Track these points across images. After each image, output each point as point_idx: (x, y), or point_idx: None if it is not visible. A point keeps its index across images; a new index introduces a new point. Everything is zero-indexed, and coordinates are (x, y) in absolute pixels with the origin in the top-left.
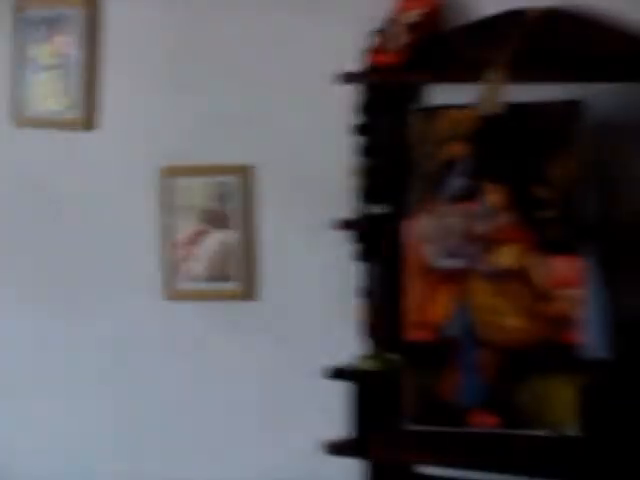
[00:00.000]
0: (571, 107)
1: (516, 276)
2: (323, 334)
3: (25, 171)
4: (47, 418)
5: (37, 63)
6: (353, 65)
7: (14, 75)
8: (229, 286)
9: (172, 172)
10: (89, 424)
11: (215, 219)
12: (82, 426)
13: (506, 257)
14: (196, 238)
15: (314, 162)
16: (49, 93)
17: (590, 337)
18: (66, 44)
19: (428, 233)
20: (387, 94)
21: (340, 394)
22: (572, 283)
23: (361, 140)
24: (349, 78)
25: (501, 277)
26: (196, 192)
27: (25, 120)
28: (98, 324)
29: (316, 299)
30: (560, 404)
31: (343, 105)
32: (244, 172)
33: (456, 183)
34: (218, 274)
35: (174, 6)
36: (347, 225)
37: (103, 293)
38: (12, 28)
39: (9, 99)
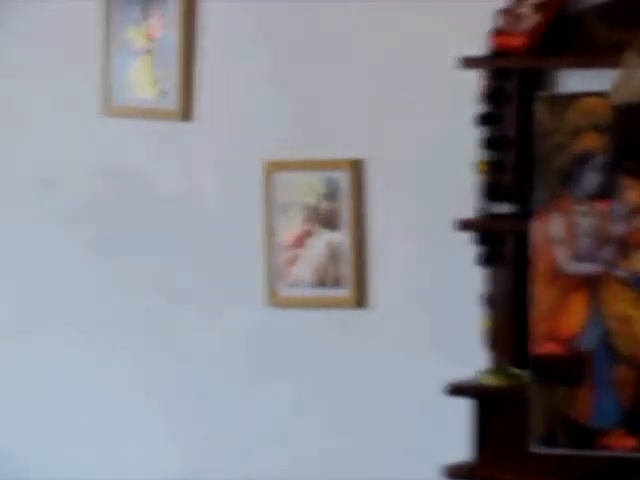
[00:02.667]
0: None
1: None
2: (442, 346)
3: (116, 165)
4: (154, 433)
5: (130, 47)
6: (476, 49)
7: (105, 60)
8: (338, 292)
9: (276, 167)
10: (195, 435)
11: (323, 219)
12: (190, 441)
13: None
14: (302, 239)
15: (432, 156)
16: (142, 80)
17: None
18: (161, 26)
19: (558, 234)
20: (514, 80)
21: (461, 412)
22: None
23: (485, 131)
24: (472, 63)
25: None
26: (302, 189)
27: (117, 109)
28: (196, 333)
29: (434, 307)
30: None
31: (465, 93)
32: (354, 167)
33: (590, 179)
34: (326, 279)
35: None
36: (469, 225)
37: (201, 299)
38: (105, 8)
39: (100, 86)
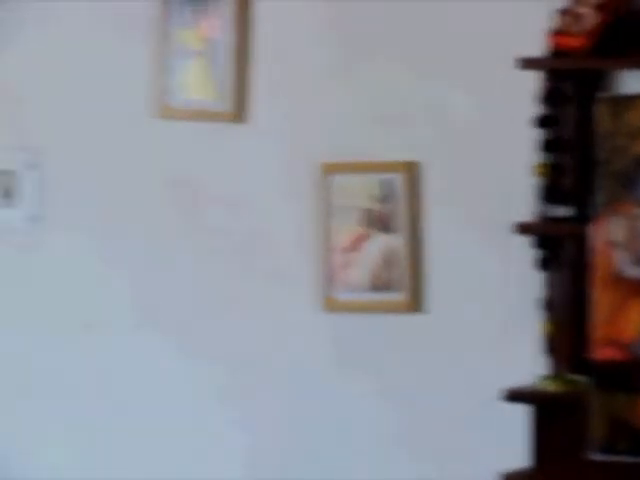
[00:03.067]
0: None
1: None
2: (499, 351)
3: (168, 167)
4: (219, 435)
5: (183, 49)
6: (535, 49)
7: (158, 61)
8: (394, 297)
9: (330, 169)
10: (255, 437)
11: (378, 222)
12: (254, 439)
13: None
14: (357, 243)
15: (489, 158)
16: (195, 82)
17: None
18: (214, 28)
19: (618, 238)
20: (573, 81)
21: (519, 418)
22: None
23: (543, 133)
24: (530, 64)
25: None
26: (357, 191)
27: (169, 111)
28: (250, 338)
29: (491, 312)
30: None
31: (524, 94)
32: (410, 169)
33: None
34: (381, 283)
35: None
36: (526, 229)
37: (255, 303)
38: (159, 10)
39: (152, 88)
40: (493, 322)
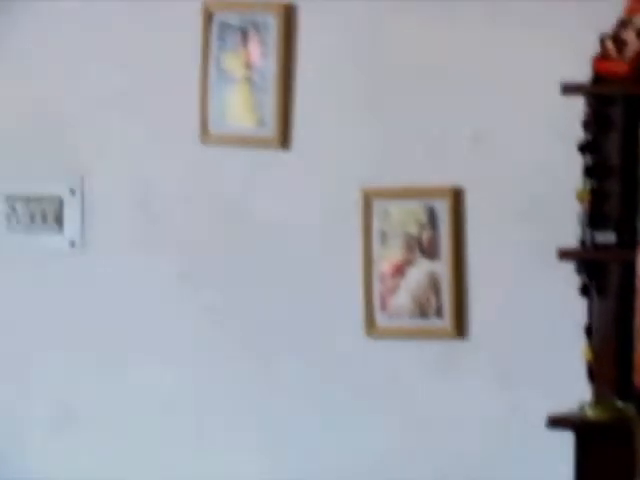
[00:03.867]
0: None
1: None
2: (543, 378)
3: (212, 193)
4: (255, 462)
5: (228, 75)
6: (579, 75)
7: (203, 87)
8: (439, 323)
9: (374, 195)
10: (302, 464)
11: (422, 247)
12: (301, 466)
13: None
14: (401, 269)
15: (534, 183)
16: (239, 108)
17: None
18: (259, 54)
19: None
20: (617, 107)
21: (563, 446)
22: None
23: (588, 159)
24: (574, 89)
25: None
26: (401, 217)
27: (214, 137)
28: (293, 364)
29: (536, 338)
30: None
31: (569, 119)
32: (454, 195)
33: None
34: (425, 309)
35: (375, 17)
36: (571, 255)
37: (298, 329)
38: (203, 36)
39: (196, 113)
40: (537, 348)
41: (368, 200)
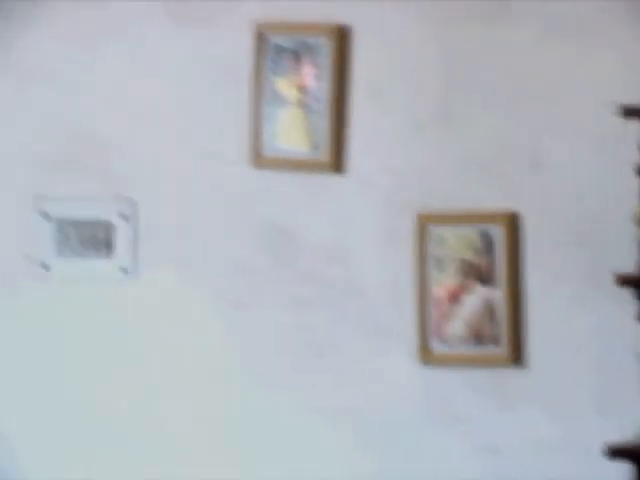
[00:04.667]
0: None
1: None
2: (602, 406)
3: (263, 217)
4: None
5: (278, 97)
6: (635, 97)
7: (253, 110)
8: (494, 350)
9: (429, 220)
10: None
11: (478, 273)
12: None
13: None
14: (455, 295)
15: (591, 208)
16: (291, 131)
17: None
18: (310, 76)
19: None
20: None
21: (623, 476)
22: None
23: None
24: (631, 112)
25: None
26: (456, 242)
27: (266, 161)
28: (346, 390)
29: (594, 365)
30: None
31: (626, 142)
32: (510, 220)
33: None
34: (480, 336)
35: (429, 37)
36: (629, 281)
37: (351, 355)
38: (254, 56)
39: (248, 136)
40: (596, 375)
41: (423, 225)
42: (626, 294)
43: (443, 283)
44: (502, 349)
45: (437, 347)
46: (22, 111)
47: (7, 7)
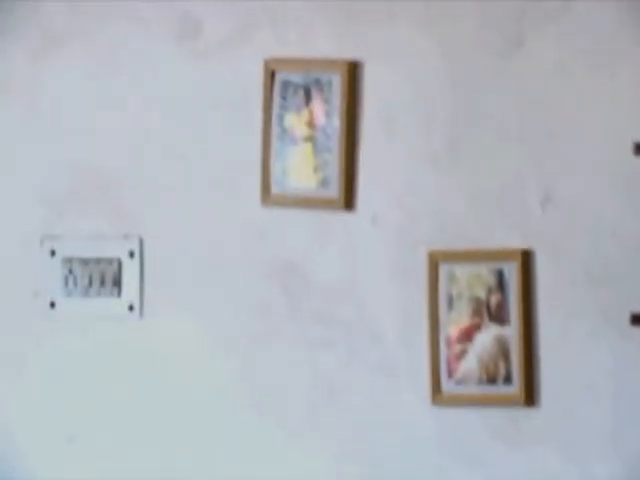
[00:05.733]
0: None
1: None
2: (619, 450)
3: (273, 255)
4: None
5: (289, 134)
6: None
7: (264, 146)
8: (508, 390)
9: (441, 257)
10: None
11: (490, 312)
12: None
13: None
14: (469, 333)
15: (606, 246)
16: (303, 168)
17: None
18: (322, 113)
19: None
20: None
21: None
22: None
23: None
24: None
25: None
26: (468, 280)
27: (275, 198)
28: (356, 431)
29: (608, 405)
30: None
31: None
32: (523, 258)
33: None
34: (495, 376)
35: (442, 74)
36: None
37: (360, 394)
38: (263, 92)
39: (258, 174)
40: (612, 418)
41: (434, 263)
42: None
43: (455, 321)
44: (515, 388)
45: (449, 386)
46: (27, 147)
47: (12, 39)
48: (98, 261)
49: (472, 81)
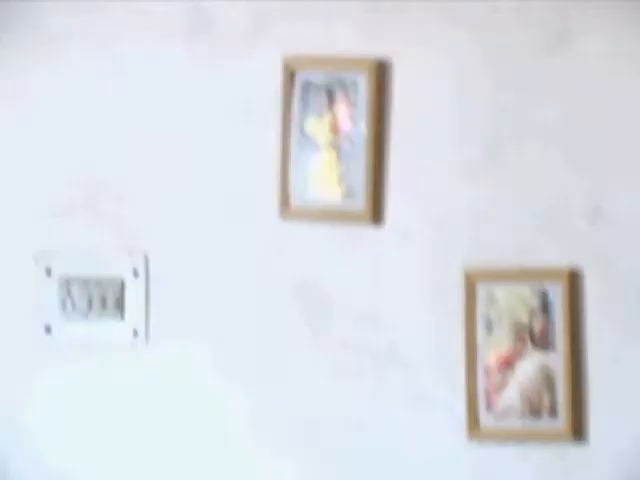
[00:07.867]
0: None
1: None
2: None
3: (293, 273)
4: None
5: (310, 140)
6: None
7: (282, 154)
8: (553, 424)
9: (479, 277)
10: None
11: (533, 337)
12: None
13: None
14: (509, 361)
15: None
16: (326, 178)
17: None
18: (346, 117)
19: None
20: None
21: None
22: None
23: None
24: None
25: None
26: (509, 302)
27: (295, 212)
28: (384, 464)
29: None
30: None
31: None
32: (570, 277)
33: None
34: (538, 408)
35: (479, 74)
36: None
37: (389, 428)
38: (281, 95)
39: (276, 184)
40: None
41: (471, 283)
42: None
43: (494, 348)
44: (561, 422)
45: (488, 420)
46: (22, 157)
47: (11, 51)
48: (99, 281)
49: (514, 83)
